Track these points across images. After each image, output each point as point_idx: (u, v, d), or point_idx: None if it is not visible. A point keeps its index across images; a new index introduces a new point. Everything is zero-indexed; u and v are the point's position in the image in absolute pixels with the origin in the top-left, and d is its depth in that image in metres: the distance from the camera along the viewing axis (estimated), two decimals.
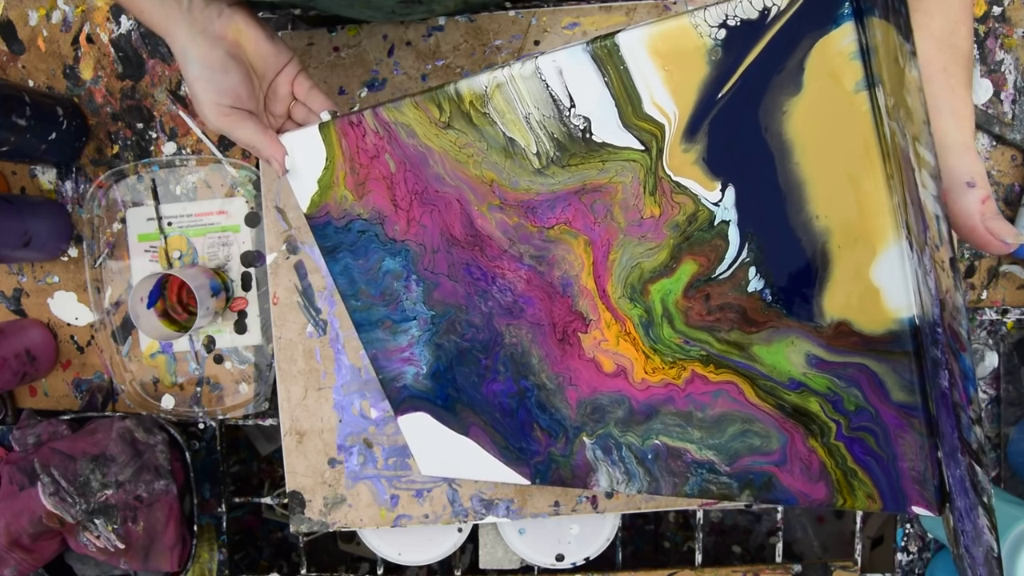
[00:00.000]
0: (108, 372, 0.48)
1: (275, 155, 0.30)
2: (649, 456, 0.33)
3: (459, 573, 0.49)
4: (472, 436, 0.36)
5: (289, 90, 0.30)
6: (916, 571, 0.50)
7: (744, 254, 0.26)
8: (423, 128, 0.29)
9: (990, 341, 0.45)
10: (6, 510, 0.41)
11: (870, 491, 0.28)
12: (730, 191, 0.26)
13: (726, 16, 0.22)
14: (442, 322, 0.34)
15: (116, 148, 0.47)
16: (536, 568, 0.48)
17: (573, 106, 0.27)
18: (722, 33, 0.22)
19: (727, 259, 0.27)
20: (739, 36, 0.22)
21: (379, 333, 0.36)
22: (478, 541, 0.48)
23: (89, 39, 0.47)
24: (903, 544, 0.49)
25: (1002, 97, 0.41)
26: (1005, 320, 0.47)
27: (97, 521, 0.42)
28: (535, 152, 0.28)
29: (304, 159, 0.32)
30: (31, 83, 0.47)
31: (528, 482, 0.37)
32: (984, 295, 0.45)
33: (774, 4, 0.21)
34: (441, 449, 0.37)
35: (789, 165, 0.24)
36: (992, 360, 0.45)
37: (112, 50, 0.47)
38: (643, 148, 0.26)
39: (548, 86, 0.26)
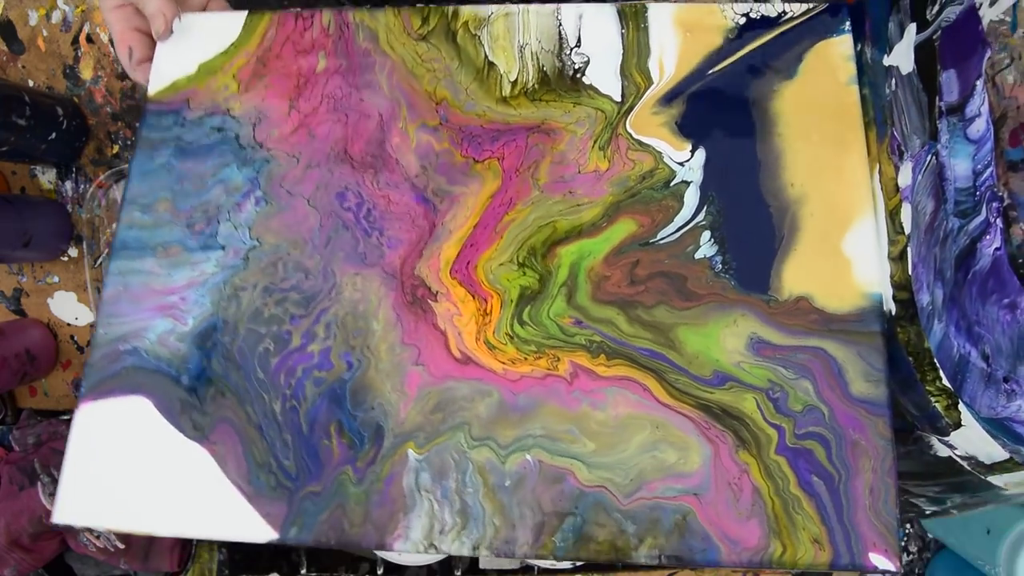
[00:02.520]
0: None
1: (164, 10, 0.62)
2: (507, 484, 0.50)
3: (459, 573, 0.87)
4: (212, 442, 0.54)
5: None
6: (916, 571, 0.86)
7: (700, 217, 0.53)
8: (389, 35, 0.62)
9: None
10: (6, 510, 0.77)
11: (816, 531, 0.44)
12: (700, 153, 0.56)
13: (751, 9, 0.59)
14: (262, 258, 0.57)
15: (116, 148, 0.90)
16: (536, 568, 0.85)
17: (578, 45, 0.60)
18: (743, 20, 0.59)
19: (677, 221, 0.53)
20: (755, 25, 0.58)
21: (150, 263, 0.60)
22: None
23: (89, 39, 0.89)
24: (903, 544, 0.71)
25: None
26: None
27: None
28: (512, 80, 0.61)
29: (198, 40, 0.64)
30: (31, 83, 0.91)
31: (275, 535, 0.50)
32: None
33: (790, 11, 0.58)
34: (138, 466, 0.54)
35: (771, 136, 0.56)
36: None
37: (112, 50, 0.89)
38: (619, 101, 0.58)
39: (560, 24, 0.62)
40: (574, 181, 0.55)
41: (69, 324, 0.93)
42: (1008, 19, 0.48)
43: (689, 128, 0.55)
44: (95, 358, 0.55)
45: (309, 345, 0.54)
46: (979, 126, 0.47)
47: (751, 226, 0.52)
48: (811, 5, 0.58)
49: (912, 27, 0.51)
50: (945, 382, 0.47)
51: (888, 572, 0.45)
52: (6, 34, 0.90)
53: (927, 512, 0.63)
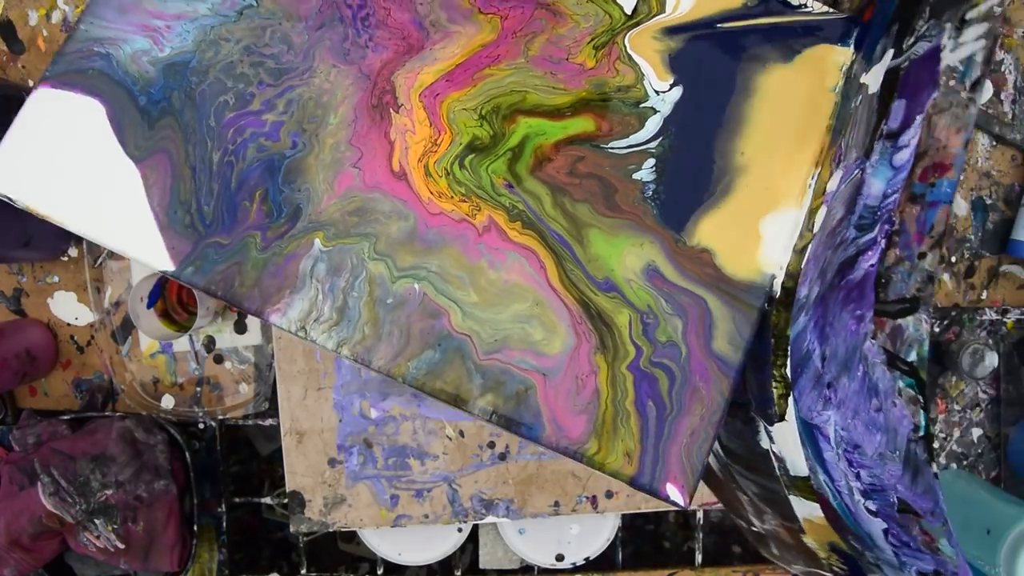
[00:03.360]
0: (108, 372, 0.89)
1: None
2: (389, 301, 0.51)
3: (459, 573, 0.88)
4: (144, 167, 0.54)
5: None
6: None
7: (652, 145, 0.53)
8: None
9: (990, 341, 0.86)
10: (6, 510, 0.75)
11: (631, 447, 0.46)
12: (677, 90, 0.55)
13: None
14: (254, 19, 0.56)
15: None
16: (536, 568, 0.87)
17: None
18: None
19: (631, 139, 0.54)
20: (774, 4, 0.56)
21: None
22: (478, 541, 0.88)
23: None
24: None
25: (1002, 97, 0.76)
26: (1005, 320, 0.86)
27: (97, 521, 0.75)
28: None
29: None
30: (31, 83, 0.86)
31: (171, 267, 0.49)
32: (984, 295, 0.86)
33: (810, 6, 0.56)
34: (75, 165, 0.54)
35: (743, 103, 0.55)
36: (992, 360, 0.85)
37: None
38: (628, 14, 0.56)
39: None
40: (559, 65, 0.54)
41: (69, 324, 0.90)
42: (961, 67, 0.48)
43: (677, 65, 0.54)
44: (69, 49, 0.54)
45: (265, 113, 0.53)
46: (904, 156, 0.48)
47: (691, 171, 0.52)
48: (830, 10, 0.57)
49: (890, 52, 0.51)
50: (788, 371, 0.49)
51: (677, 505, 0.48)
52: (6, 34, 0.87)
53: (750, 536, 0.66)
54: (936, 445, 0.86)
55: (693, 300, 0.50)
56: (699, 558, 0.87)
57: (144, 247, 0.51)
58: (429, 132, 0.53)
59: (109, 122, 0.53)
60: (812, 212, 0.52)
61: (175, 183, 0.52)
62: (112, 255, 0.84)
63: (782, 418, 0.50)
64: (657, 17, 0.55)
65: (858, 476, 0.47)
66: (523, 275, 0.50)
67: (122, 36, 0.54)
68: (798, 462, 0.51)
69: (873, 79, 0.51)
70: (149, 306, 0.79)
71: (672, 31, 0.55)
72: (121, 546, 0.76)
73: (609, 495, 0.79)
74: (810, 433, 0.48)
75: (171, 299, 0.83)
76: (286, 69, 0.53)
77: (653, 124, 0.53)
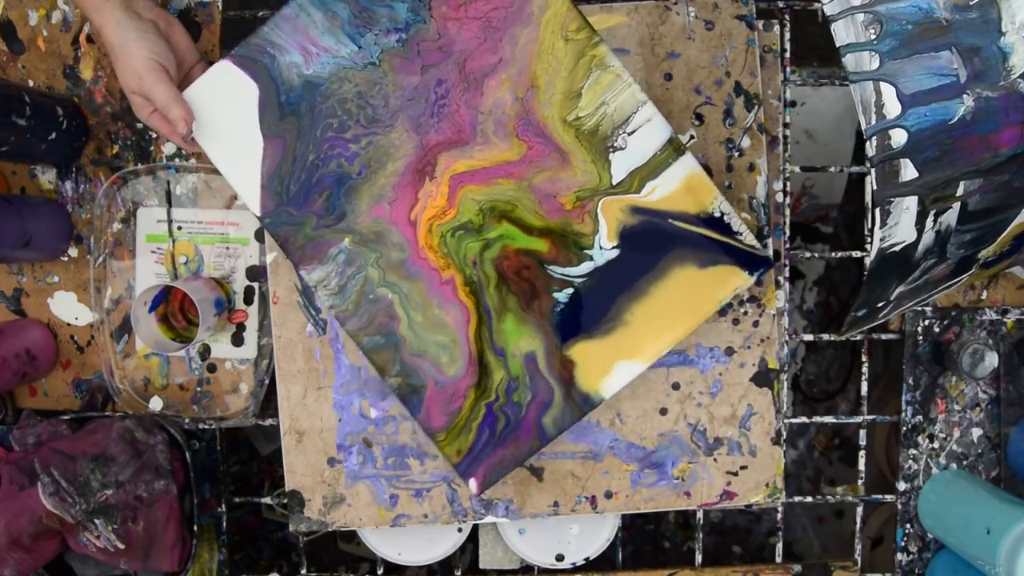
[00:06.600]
0: (107, 372, 0.94)
1: (184, 115, 0.78)
2: (370, 296, 0.83)
3: (459, 573, 0.97)
4: (267, 143, 0.82)
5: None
6: (916, 571, 0.96)
7: (578, 280, 0.83)
8: (552, 18, 0.80)
9: (990, 341, 0.92)
10: (6, 510, 0.80)
11: (463, 448, 0.79)
12: (615, 251, 0.84)
13: (729, 213, 0.85)
14: (372, 74, 0.82)
15: (116, 148, 0.94)
16: (536, 568, 0.95)
17: (630, 133, 0.86)
18: (717, 213, 0.85)
19: (567, 270, 0.84)
20: (719, 223, 0.84)
21: (319, 16, 0.81)
22: (478, 541, 0.95)
23: (89, 39, 0.93)
24: (903, 544, 0.97)
25: None
26: (1005, 320, 0.92)
27: (97, 521, 0.80)
28: (579, 115, 0.86)
29: None
30: (31, 83, 0.94)
31: (257, 212, 0.83)
32: (984, 295, 0.93)
33: (743, 236, 0.84)
34: (228, 120, 0.82)
35: (653, 282, 0.84)
36: (992, 360, 0.90)
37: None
38: (613, 185, 0.85)
39: (635, 112, 0.87)
40: (547, 199, 0.82)
41: (69, 324, 0.96)
42: None
43: (625, 234, 0.81)
44: (254, 41, 0.81)
45: (351, 144, 0.82)
46: None
47: (592, 309, 0.81)
48: (757, 245, 0.81)
49: None
50: None
51: (474, 494, 0.80)
52: (6, 34, 0.92)
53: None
54: (936, 445, 0.93)
55: (546, 386, 0.79)
56: (699, 558, 0.93)
57: (247, 192, 0.81)
58: (444, 204, 0.82)
59: (257, 103, 0.82)
60: None
61: (281, 162, 0.82)
62: (113, 255, 0.93)
63: None
64: (631, 195, 0.81)
65: None
66: (455, 321, 0.80)
67: (287, 47, 0.82)
68: None
69: None
70: (151, 310, 0.88)
71: (636, 210, 0.81)
72: (121, 546, 0.80)
73: (608, 495, 0.86)
74: None
75: (173, 305, 0.91)
76: (377, 119, 0.82)
77: (586, 267, 0.81)
